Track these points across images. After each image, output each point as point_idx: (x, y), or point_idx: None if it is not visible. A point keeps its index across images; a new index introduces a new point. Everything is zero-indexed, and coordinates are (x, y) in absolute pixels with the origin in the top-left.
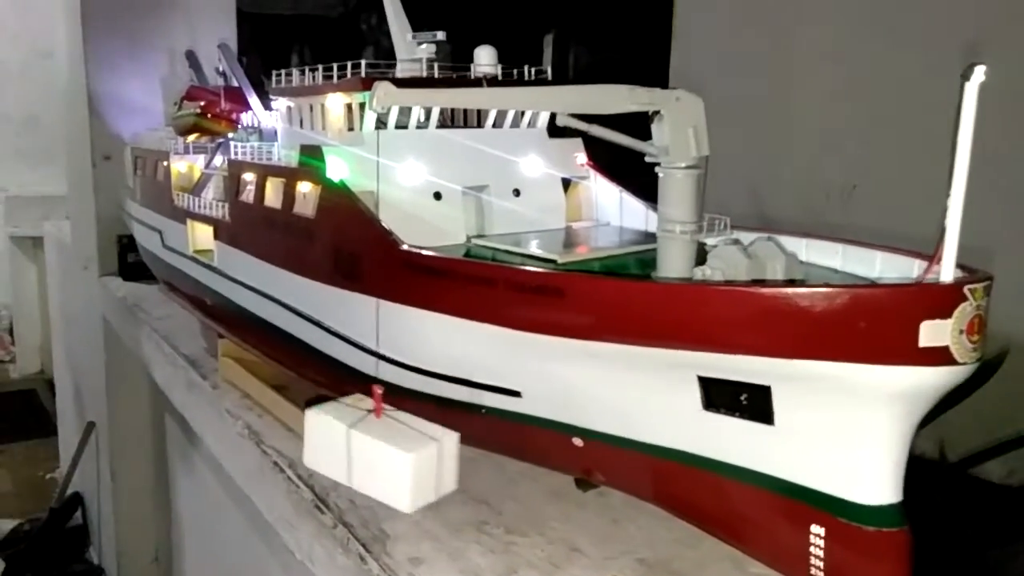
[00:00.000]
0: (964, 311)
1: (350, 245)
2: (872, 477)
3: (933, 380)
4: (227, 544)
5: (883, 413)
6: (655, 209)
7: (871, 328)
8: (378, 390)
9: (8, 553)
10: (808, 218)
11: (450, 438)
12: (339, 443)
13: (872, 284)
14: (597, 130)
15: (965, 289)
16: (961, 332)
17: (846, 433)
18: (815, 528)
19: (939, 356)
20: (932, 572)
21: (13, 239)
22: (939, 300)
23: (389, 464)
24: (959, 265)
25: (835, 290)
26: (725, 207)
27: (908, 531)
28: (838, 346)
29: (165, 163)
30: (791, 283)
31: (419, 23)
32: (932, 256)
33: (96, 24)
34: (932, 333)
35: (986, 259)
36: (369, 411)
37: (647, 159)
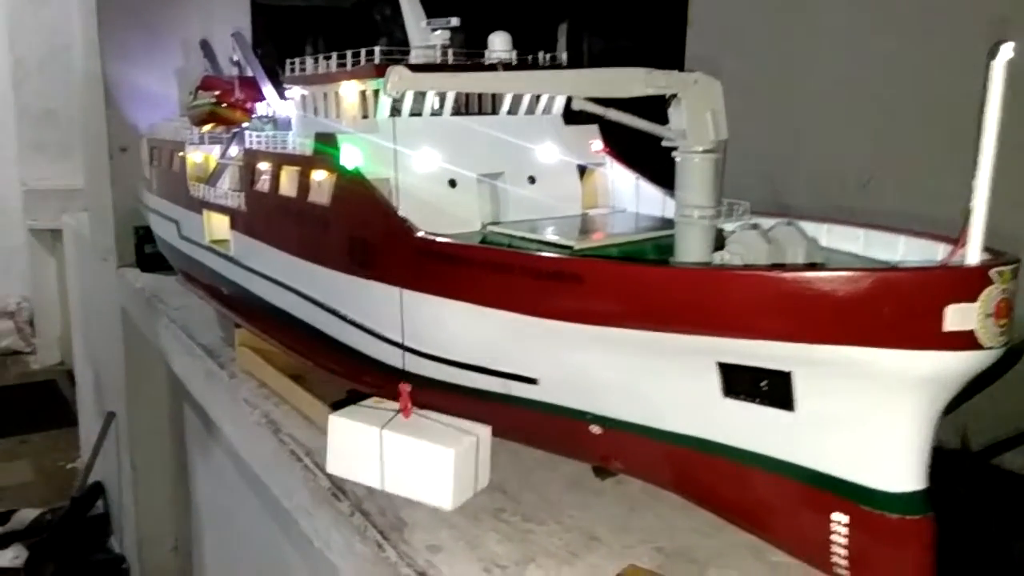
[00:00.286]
0: (990, 294)
1: (365, 233)
2: (896, 464)
3: (958, 365)
4: (245, 532)
5: (907, 399)
6: (672, 195)
7: (894, 312)
8: (406, 388)
9: (31, 542)
10: (824, 206)
11: (484, 432)
12: (370, 447)
13: (895, 268)
14: (614, 114)
15: (992, 272)
16: (987, 316)
17: (869, 419)
18: (837, 516)
19: (964, 340)
20: (954, 564)
21: (32, 232)
22: (964, 283)
23: (429, 462)
24: (985, 248)
25: (857, 274)
26: (741, 195)
27: (932, 519)
28: (861, 331)
29: (181, 154)
30: (812, 267)
31: (432, 14)
32: (957, 239)
33: (111, 16)
34: (957, 317)
35: (1015, 243)
36: (396, 412)
37: (664, 143)
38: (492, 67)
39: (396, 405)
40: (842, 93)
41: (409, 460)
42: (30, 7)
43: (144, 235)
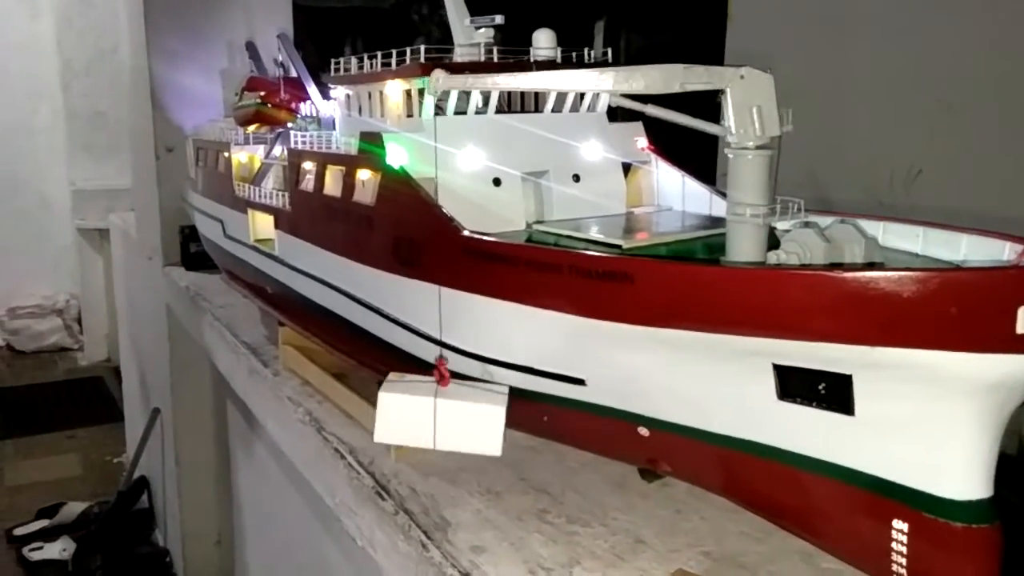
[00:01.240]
0: None
1: (411, 232)
2: (961, 470)
3: None
4: (287, 528)
5: (975, 403)
6: (719, 193)
7: (963, 313)
8: (443, 363)
9: (78, 535)
10: (869, 201)
11: (504, 391)
12: (424, 414)
13: (962, 267)
14: (653, 110)
15: None
16: None
17: (933, 424)
18: (898, 524)
19: None
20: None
21: (80, 231)
22: None
23: (481, 420)
24: None
25: (924, 273)
26: (782, 190)
27: (999, 528)
28: (927, 333)
29: (226, 154)
30: (871, 267)
31: (470, 13)
32: None
33: (157, 18)
34: None
35: None
36: (433, 381)
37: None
38: (528, 65)
39: (420, 377)
40: (886, 87)
41: (462, 421)
42: (78, 9)
43: (189, 234)
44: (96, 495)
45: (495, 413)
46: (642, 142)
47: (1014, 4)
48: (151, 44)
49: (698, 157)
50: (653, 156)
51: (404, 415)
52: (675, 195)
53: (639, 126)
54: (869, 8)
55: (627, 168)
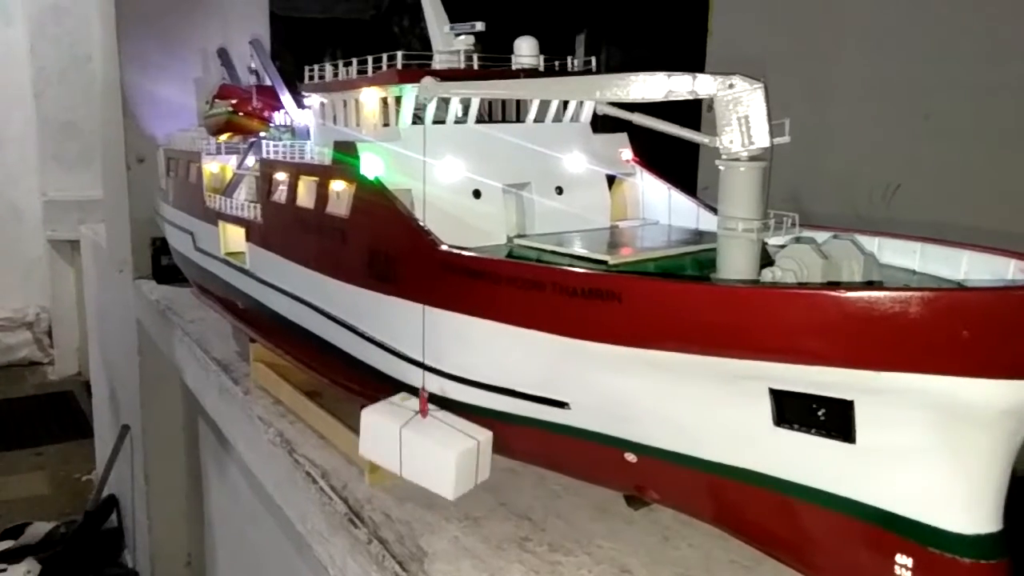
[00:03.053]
0: None
1: (386, 246)
2: (969, 503)
3: None
4: (260, 551)
5: (985, 432)
6: (706, 206)
7: (976, 336)
8: (424, 394)
9: (43, 556)
10: (849, 215)
11: (485, 435)
12: (392, 440)
13: (966, 287)
14: (639, 118)
15: None
16: None
17: (941, 454)
18: (901, 559)
19: None
20: None
21: (52, 243)
22: None
23: (436, 460)
24: None
25: (933, 293)
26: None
27: (1009, 564)
28: (935, 357)
29: (197, 164)
30: (872, 285)
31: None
32: None
33: (130, 25)
34: None
35: None
36: (416, 411)
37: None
38: (514, 73)
39: (410, 403)
40: (866, 102)
41: (420, 456)
42: (52, 16)
43: (160, 246)
44: (64, 514)
45: (447, 458)
46: (627, 154)
47: (993, 17)
48: (123, 52)
49: (678, 168)
50: (638, 168)
51: (379, 437)
52: (661, 208)
53: (624, 137)
54: (849, 23)
55: (611, 180)
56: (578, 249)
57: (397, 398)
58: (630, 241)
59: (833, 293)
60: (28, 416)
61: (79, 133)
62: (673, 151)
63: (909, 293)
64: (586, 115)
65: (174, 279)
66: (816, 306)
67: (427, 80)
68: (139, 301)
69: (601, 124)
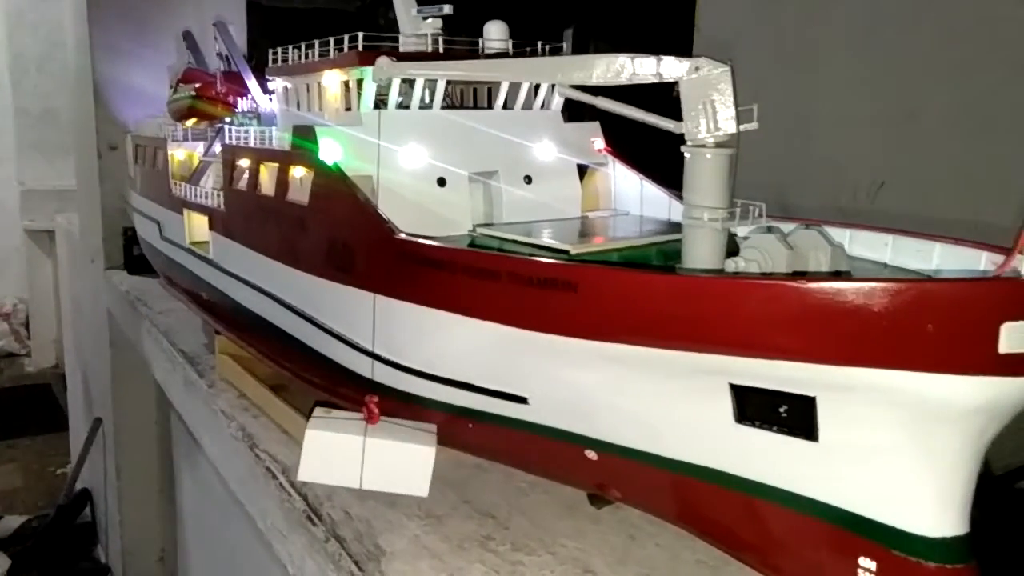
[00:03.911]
0: None
1: (343, 234)
2: (935, 505)
3: (1014, 393)
4: (230, 545)
5: (952, 431)
6: (678, 198)
7: (941, 330)
8: (372, 400)
9: (14, 550)
10: (833, 211)
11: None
12: (352, 453)
13: (937, 279)
14: (603, 102)
15: None
16: None
17: (906, 453)
18: (864, 562)
19: (1023, 365)
20: None
21: (29, 233)
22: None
23: (410, 460)
24: None
25: (897, 285)
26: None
27: (975, 568)
28: (900, 352)
29: (163, 151)
30: (838, 276)
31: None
32: (1013, 247)
33: (102, 12)
34: (1015, 337)
35: None
36: (363, 419)
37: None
38: (478, 55)
39: (349, 413)
40: (850, 98)
41: (390, 460)
42: (29, 3)
43: (132, 236)
44: (39, 507)
45: (424, 454)
46: (599, 143)
47: (973, 17)
48: (94, 39)
49: (663, 160)
50: (610, 158)
51: (331, 453)
52: (633, 199)
53: (596, 127)
54: (834, 20)
55: (583, 170)
56: (542, 239)
57: (333, 414)
58: (598, 231)
59: (793, 284)
60: (2, 409)
61: (57, 121)
62: (660, 142)
63: (872, 284)
64: (557, 103)
65: (146, 270)
66: (776, 297)
67: (382, 60)
68: (110, 292)
69: (569, 108)
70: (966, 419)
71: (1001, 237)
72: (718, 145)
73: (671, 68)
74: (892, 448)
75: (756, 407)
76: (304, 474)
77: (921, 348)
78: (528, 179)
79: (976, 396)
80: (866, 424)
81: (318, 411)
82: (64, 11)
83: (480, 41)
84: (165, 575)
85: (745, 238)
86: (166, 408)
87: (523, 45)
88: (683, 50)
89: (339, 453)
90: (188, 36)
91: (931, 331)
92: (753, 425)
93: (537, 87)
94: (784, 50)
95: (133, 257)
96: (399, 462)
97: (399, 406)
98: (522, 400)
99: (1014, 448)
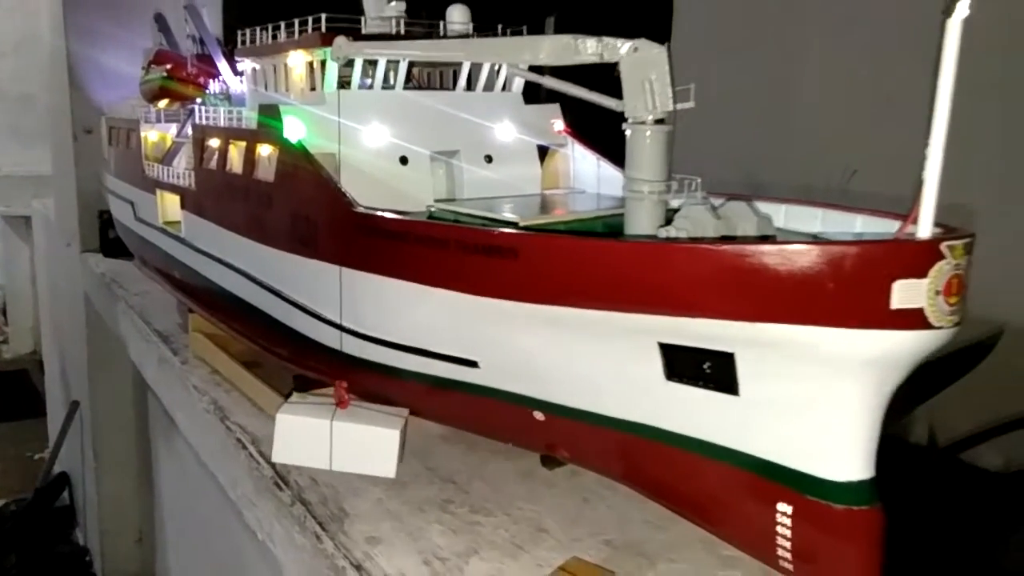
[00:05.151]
0: (941, 270)
1: (307, 209)
2: (841, 452)
3: (906, 345)
4: (207, 524)
5: (853, 382)
6: None
7: (839, 288)
8: (342, 385)
9: None
10: (811, 195)
11: (405, 412)
12: (320, 436)
13: (840, 241)
14: (550, 82)
15: (942, 246)
16: (937, 293)
17: (814, 404)
18: (782, 506)
19: (913, 319)
20: (923, 560)
21: (6, 218)
22: (913, 257)
23: (376, 442)
24: (938, 224)
25: (800, 247)
26: (722, 189)
27: (880, 509)
28: (804, 308)
29: (136, 132)
30: (764, 240)
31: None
32: (908, 214)
33: None
34: (905, 294)
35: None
36: (334, 404)
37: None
38: (433, 36)
39: (322, 398)
40: (825, 91)
41: (357, 443)
42: None
43: (108, 219)
44: (15, 492)
45: (390, 437)
46: (559, 125)
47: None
48: (69, 20)
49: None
50: (570, 139)
51: (301, 436)
52: (591, 178)
53: (556, 108)
54: (810, 9)
55: (543, 151)
56: (495, 212)
57: (308, 399)
58: (552, 207)
59: (709, 247)
60: None
61: (34, 107)
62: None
63: (777, 247)
64: (518, 84)
65: (122, 252)
66: (697, 259)
67: (339, 40)
68: (86, 275)
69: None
70: (865, 370)
71: (969, 218)
72: (656, 122)
73: (612, 49)
74: (802, 399)
75: (683, 364)
76: (277, 455)
77: (823, 305)
78: (489, 158)
79: (873, 348)
80: (779, 377)
81: (295, 396)
82: None
83: (441, 24)
84: (143, 556)
85: (677, 209)
86: (143, 390)
87: (485, 29)
88: (661, 40)
89: (309, 436)
90: (160, 18)
91: (831, 289)
92: (681, 381)
93: (498, 69)
94: (759, 45)
95: (109, 240)
96: (365, 444)
97: (368, 376)
98: (473, 364)
99: (958, 420)
